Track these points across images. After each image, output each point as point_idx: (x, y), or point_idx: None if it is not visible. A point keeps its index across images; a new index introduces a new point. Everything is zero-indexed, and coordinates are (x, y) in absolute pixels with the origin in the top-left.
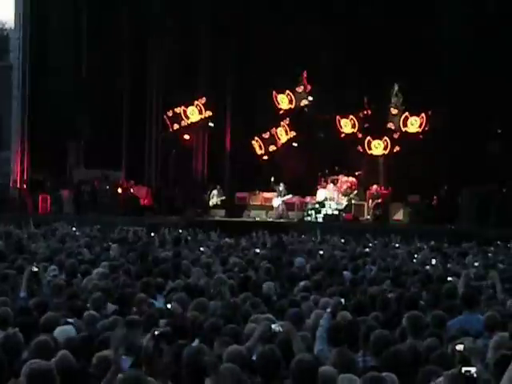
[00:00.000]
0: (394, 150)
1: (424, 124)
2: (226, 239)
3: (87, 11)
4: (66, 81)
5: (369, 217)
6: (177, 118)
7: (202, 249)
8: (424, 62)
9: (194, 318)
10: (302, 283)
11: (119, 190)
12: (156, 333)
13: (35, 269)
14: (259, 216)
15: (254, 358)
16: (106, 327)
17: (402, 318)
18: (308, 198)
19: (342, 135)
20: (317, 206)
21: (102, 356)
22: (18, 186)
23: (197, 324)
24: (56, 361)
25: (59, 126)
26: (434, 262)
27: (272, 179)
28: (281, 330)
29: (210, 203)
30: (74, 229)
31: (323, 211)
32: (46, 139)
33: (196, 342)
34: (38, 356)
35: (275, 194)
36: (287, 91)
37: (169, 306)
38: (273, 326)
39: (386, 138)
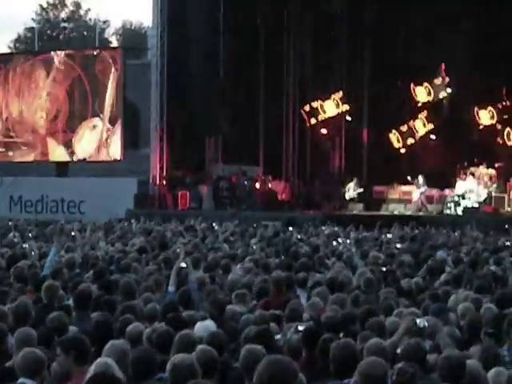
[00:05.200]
0: None
1: None
2: (365, 233)
3: (223, 6)
4: (204, 77)
5: (510, 209)
6: (314, 112)
7: (340, 242)
8: None
9: (333, 312)
10: (442, 276)
11: (257, 185)
12: (300, 328)
13: (184, 264)
14: (397, 209)
15: (398, 351)
16: (249, 322)
17: None
18: (447, 191)
19: (481, 127)
20: (456, 198)
21: (250, 349)
22: (158, 182)
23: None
24: (197, 354)
25: (197, 122)
26: None
27: (409, 178)
28: (426, 324)
29: (347, 196)
30: (213, 224)
31: (463, 204)
32: (184, 136)
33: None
34: (181, 350)
35: (414, 187)
36: (425, 83)
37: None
38: (418, 320)
39: None
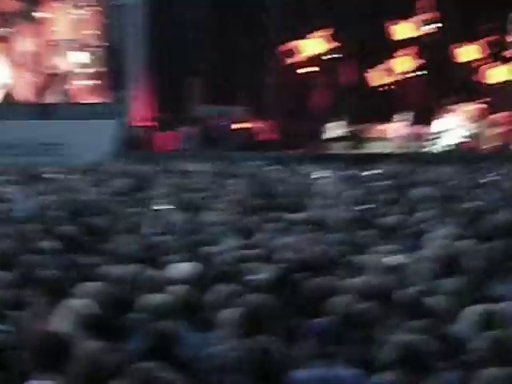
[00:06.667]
0: None
1: None
2: (347, 171)
3: None
4: (186, 18)
5: (488, 147)
6: (295, 51)
7: (321, 180)
8: None
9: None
10: (421, 213)
11: (240, 126)
12: (271, 270)
13: (162, 206)
14: (380, 148)
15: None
16: (225, 262)
17: None
18: (428, 128)
19: (464, 64)
20: (437, 135)
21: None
22: (143, 124)
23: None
24: (172, 294)
25: (179, 63)
26: None
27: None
28: (400, 262)
29: (330, 136)
30: (194, 165)
31: (443, 141)
32: (169, 77)
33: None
34: (150, 291)
35: (395, 124)
36: (406, 21)
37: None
38: (391, 257)
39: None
